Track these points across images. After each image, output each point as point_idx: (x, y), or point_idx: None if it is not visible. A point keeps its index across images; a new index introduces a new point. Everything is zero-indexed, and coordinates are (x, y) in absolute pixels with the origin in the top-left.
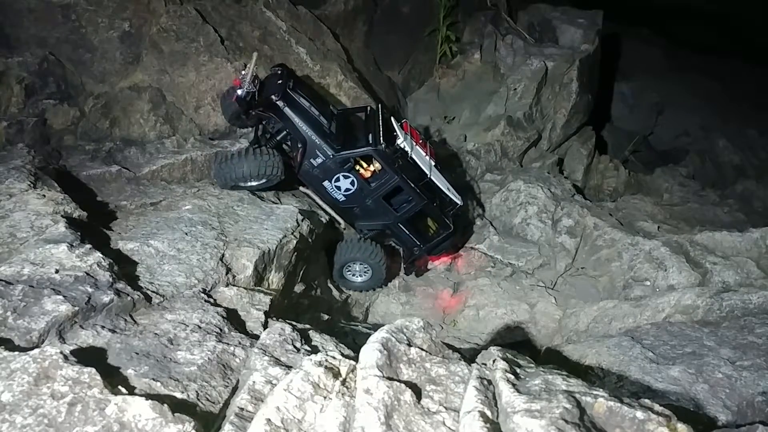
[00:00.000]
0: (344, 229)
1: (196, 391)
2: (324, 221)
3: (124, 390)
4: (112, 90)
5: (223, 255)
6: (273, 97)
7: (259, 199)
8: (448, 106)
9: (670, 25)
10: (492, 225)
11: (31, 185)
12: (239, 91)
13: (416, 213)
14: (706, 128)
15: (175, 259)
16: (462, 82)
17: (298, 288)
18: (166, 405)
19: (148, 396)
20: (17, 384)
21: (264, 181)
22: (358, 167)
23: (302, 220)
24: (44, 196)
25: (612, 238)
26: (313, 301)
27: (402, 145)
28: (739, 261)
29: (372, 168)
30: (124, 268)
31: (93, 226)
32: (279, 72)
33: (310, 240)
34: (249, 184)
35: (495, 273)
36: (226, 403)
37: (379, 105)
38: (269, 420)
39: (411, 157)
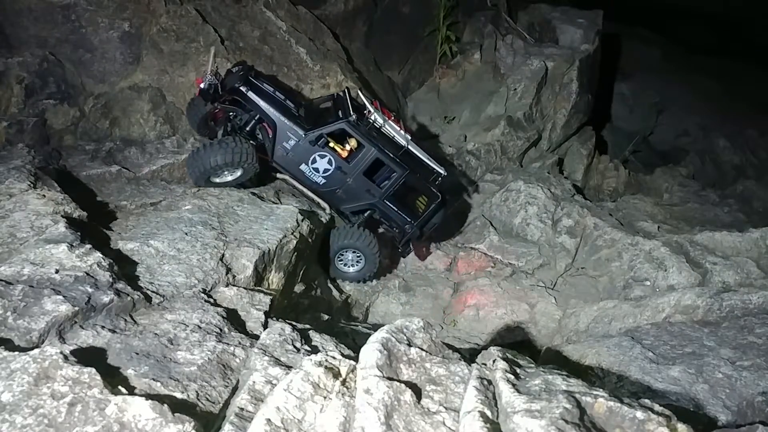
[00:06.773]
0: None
1: (196, 391)
2: (324, 221)
3: (124, 390)
4: (112, 90)
5: (223, 255)
6: (236, 84)
7: (259, 199)
8: (448, 106)
9: (670, 25)
10: (492, 225)
11: (31, 185)
12: (202, 85)
13: (401, 187)
14: (706, 128)
15: (175, 259)
16: (462, 82)
17: (298, 288)
18: (166, 405)
19: (148, 396)
20: (17, 384)
21: (240, 172)
22: (333, 146)
23: (302, 220)
24: (44, 196)
25: (612, 238)
26: (313, 301)
27: (374, 118)
28: (739, 261)
29: (348, 147)
30: (124, 268)
31: (93, 226)
32: (240, 67)
33: (310, 240)
34: (225, 178)
35: (495, 273)
36: (226, 403)
37: (347, 88)
38: (269, 420)
39: (385, 128)
